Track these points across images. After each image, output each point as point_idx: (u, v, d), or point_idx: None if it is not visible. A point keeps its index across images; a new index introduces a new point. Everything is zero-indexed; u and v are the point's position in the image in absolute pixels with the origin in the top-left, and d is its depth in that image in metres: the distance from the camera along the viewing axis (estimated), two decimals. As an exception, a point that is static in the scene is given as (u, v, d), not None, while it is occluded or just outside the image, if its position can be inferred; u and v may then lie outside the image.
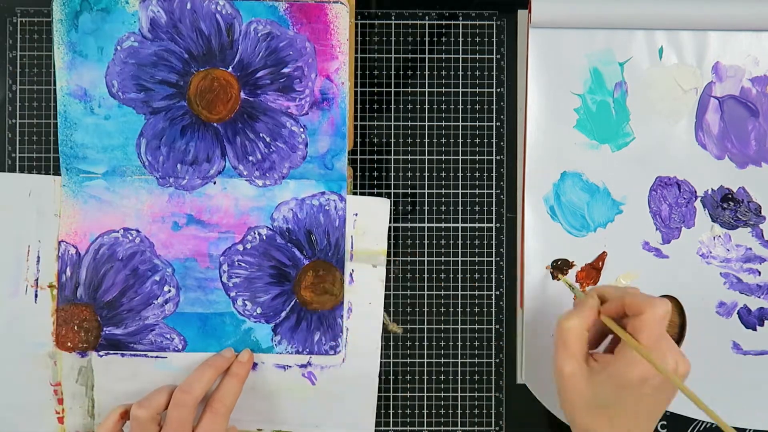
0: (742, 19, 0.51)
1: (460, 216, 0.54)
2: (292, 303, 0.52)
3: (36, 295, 0.51)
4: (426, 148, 0.54)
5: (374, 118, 0.54)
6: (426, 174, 0.54)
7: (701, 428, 0.54)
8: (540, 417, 0.54)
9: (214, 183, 0.52)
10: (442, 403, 0.54)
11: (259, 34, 0.51)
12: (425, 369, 0.54)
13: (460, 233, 0.54)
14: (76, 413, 0.52)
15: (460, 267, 0.53)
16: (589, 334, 0.44)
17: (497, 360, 0.54)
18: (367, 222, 0.52)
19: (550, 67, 0.52)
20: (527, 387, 0.53)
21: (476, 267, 0.54)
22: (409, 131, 0.54)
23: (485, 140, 0.54)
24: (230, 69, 0.51)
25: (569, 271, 0.53)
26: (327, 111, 0.51)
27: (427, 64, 0.54)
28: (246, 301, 0.52)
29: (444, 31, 0.54)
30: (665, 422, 0.54)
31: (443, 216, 0.54)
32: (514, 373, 0.54)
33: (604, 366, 0.42)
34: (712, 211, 0.53)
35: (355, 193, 0.53)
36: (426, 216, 0.54)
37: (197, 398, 0.47)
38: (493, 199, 0.54)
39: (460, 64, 0.54)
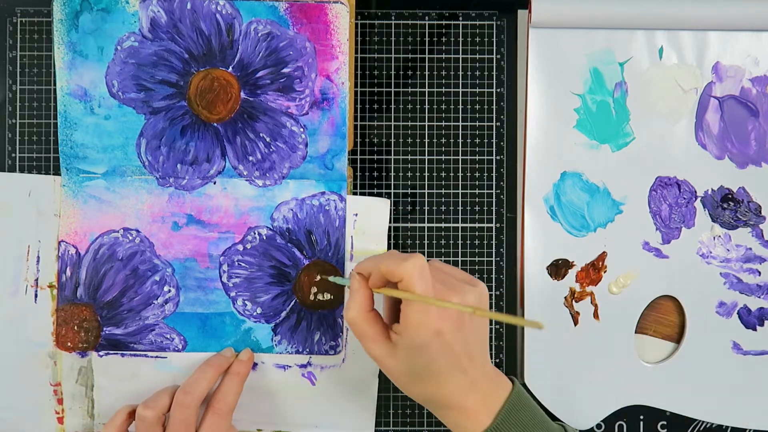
0: (742, 19, 0.51)
1: (460, 216, 0.54)
2: (292, 303, 0.52)
3: (36, 295, 0.51)
4: (426, 148, 0.54)
5: (374, 118, 0.54)
6: (426, 174, 0.54)
7: (701, 428, 0.54)
8: (540, 417, 0.54)
9: (214, 183, 0.52)
10: (442, 403, 0.54)
11: (259, 34, 0.51)
12: (425, 369, 0.54)
13: (460, 233, 0.54)
14: (76, 413, 0.52)
15: (460, 267, 0.53)
16: (384, 308, 0.44)
17: (497, 360, 0.54)
18: (367, 222, 0.52)
19: (550, 67, 0.52)
20: (528, 387, 0.53)
21: (476, 267, 0.54)
22: (409, 131, 0.54)
23: (485, 140, 0.54)
24: (230, 69, 0.51)
25: (569, 271, 0.53)
26: (327, 111, 0.51)
27: (427, 64, 0.54)
28: (246, 301, 0.52)
29: (444, 31, 0.54)
30: (665, 422, 0.54)
31: (443, 216, 0.54)
32: (515, 372, 0.54)
33: (401, 336, 0.42)
34: (712, 211, 0.53)
35: (355, 193, 0.53)
36: (426, 216, 0.54)
37: (199, 399, 0.47)
38: (493, 199, 0.54)
39: (460, 64, 0.54)
